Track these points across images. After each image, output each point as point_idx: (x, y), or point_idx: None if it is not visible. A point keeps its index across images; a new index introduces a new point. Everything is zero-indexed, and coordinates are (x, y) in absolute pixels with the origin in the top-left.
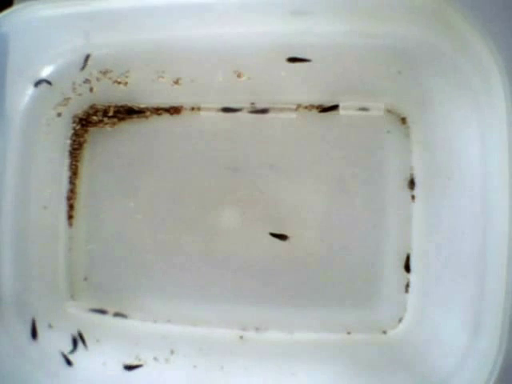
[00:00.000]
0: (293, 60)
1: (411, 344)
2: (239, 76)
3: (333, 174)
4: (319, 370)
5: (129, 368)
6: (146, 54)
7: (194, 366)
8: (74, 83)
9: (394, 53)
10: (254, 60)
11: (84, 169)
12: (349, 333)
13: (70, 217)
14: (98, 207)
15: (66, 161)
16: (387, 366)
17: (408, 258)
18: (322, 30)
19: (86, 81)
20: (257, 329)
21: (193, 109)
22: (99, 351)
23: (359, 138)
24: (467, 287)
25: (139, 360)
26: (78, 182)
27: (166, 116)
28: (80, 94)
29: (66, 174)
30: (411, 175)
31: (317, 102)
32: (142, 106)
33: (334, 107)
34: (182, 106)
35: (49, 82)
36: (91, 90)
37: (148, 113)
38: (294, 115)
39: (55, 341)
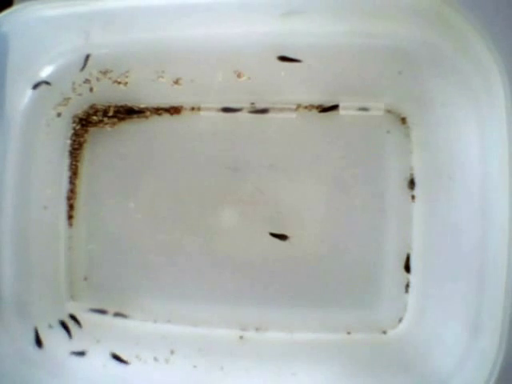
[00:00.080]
0: (283, 59)
1: (411, 344)
2: (239, 76)
3: (333, 173)
4: (319, 370)
5: (117, 358)
6: (145, 54)
7: (194, 366)
8: (73, 83)
9: (394, 53)
10: (254, 60)
11: (84, 169)
12: (349, 333)
13: (70, 217)
14: (98, 207)
15: (66, 161)
16: (387, 366)
17: (408, 258)
18: (322, 30)
19: (86, 81)
20: (257, 329)
21: (193, 109)
22: (99, 351)
23: (359, 138)
24: (467, 287)
25: (139, 360)
26: (77, 182)
27: (166, 116)
28: (80, 94)
29: (66, 173)
30: (411, 175)
31: (317, 102)
32: (142, 106)
33: (334, 107)
34: (181, 106)
35: (48, 83)
36: (91, 90)
37: (148, 113)
38: (293, 115)
39: (55, 340)
